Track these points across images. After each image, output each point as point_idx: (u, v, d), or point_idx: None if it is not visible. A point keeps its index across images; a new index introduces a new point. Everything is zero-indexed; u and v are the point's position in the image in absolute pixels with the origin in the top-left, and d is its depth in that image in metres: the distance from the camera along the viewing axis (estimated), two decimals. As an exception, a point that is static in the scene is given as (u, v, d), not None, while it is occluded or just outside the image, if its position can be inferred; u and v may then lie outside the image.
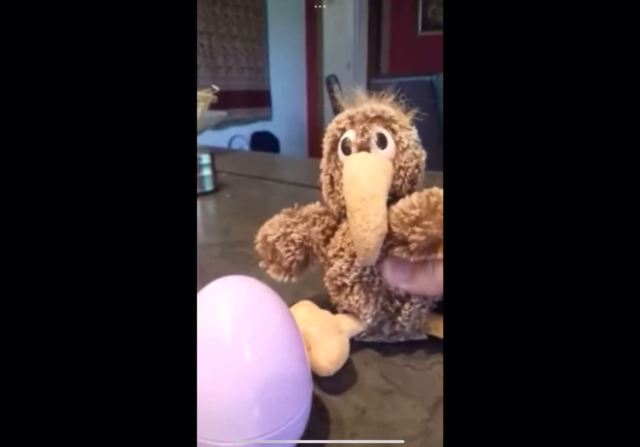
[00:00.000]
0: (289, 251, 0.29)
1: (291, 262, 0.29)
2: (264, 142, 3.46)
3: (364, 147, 0.26)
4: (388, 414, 0.24)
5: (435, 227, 0.23)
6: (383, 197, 0.24)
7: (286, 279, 0.30)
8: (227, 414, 0.17)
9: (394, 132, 0.27)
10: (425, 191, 0.25)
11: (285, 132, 3.71)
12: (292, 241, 0.29)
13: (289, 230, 0.29)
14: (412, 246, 0.24)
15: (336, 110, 0.29)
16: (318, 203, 0.32)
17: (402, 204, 0.25)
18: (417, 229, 0.23)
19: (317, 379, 0.22)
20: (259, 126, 3.53)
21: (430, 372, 0.27)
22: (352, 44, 3.90)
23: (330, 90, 1.58)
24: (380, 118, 0.27)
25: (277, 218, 0.31)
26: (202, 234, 0.55)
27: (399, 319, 0.28)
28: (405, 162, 0.27)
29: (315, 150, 3.82)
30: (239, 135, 3.29)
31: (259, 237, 0.31)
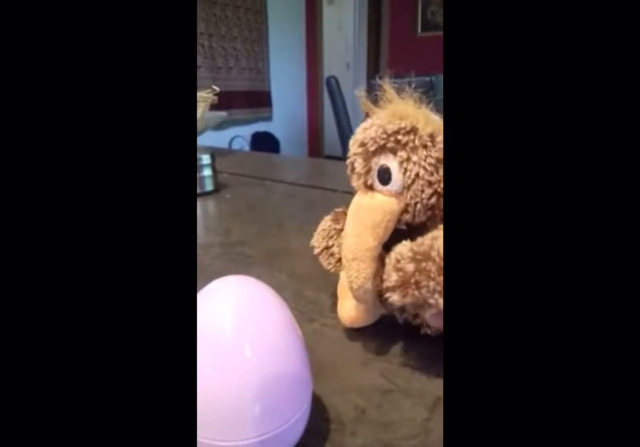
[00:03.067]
0: (329, 263, 0.32)
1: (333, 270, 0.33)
2: (264, 143, 3.46)
3: (366, 185, 0.26)
4: (388, 413, 0.24)
5: (410, 298, 0.23)
6: (366, 259, 0.25)
7: None
8: (227, 413, 0.17)
9: (401, 162, 0.25)
10: (412, 250, 0.24)
11: (285, 132, 3.70)
12: (332, 255, 0.32)
13: (330, 242, 0.32)
14: (388, 307, 0.25)
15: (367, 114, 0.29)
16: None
17: (393, 256, 0.25)
18: (394, 297, 0.24)
19: (317, 379, 0.22)
20: (259, 126, 3.53)
21: (429, 372, 0.27)
22: (352, 45, 3.90)
23: (330, 91, 1.58)
24: (383, 148, 0.25)
25: (327, 223, 0.33)
26: (202, 234, 0.55)
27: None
28: (412, 197, 0.25)
29: (315, 151, 3.84)
30: (239, 136, 3.29)
31: (313, 240, 0.33)
